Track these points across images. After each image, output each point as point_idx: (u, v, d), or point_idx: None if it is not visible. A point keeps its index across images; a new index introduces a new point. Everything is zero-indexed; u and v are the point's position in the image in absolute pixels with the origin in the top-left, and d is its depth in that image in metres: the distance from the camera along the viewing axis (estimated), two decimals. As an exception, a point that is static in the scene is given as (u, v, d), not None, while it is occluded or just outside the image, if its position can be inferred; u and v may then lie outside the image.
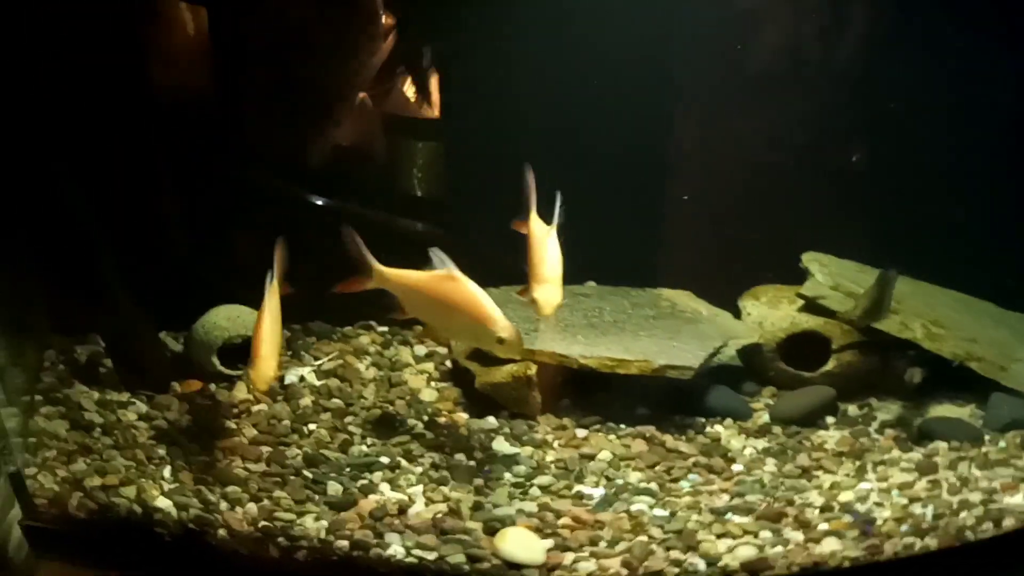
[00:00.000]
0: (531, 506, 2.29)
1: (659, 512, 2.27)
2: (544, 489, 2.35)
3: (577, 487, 2.37)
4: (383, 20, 3.02)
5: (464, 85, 3.08)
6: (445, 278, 2.29)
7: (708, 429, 2.61)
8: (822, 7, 2.92)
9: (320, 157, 3.07)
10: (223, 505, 2.27)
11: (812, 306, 2.71)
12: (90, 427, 2.55)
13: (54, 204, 2.52)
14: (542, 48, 2.90)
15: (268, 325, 2.27)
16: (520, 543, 2.16)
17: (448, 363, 2.91)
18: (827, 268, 2.75)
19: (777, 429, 2.61)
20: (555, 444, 2.55)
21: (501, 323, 2.23)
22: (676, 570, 2.11)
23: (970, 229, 2.83)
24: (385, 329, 3.08)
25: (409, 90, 3.12)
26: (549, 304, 2.29)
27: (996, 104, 2.77)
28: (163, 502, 2.29)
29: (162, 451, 2.46)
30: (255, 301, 2.43)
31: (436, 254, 2.31)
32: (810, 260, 2.79)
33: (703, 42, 2.93)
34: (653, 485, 2.37)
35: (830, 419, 2.64)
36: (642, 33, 2.87)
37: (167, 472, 2.39)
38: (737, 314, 2.86)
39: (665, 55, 2.96)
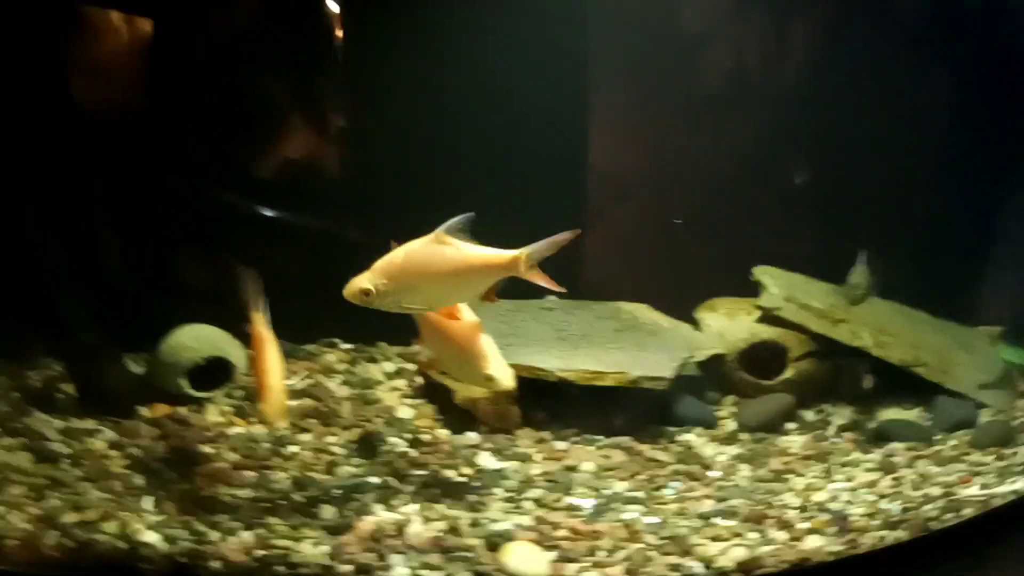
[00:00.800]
0: (527, 520, 2.32)
1: (650, 520, 2.34)
2: (537, 502, 2.39)
3: (567, 499, 2.42)
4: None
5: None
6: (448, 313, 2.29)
7: (679, 438, 2.73)
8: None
9: (270, 170, 3.05)
10: (214, 535, 2.19)
11: (768, 317, 2.87)
12: (56, 458, 2.42)
13: (8, 227, 2.40)
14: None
15: (272, 355, 2.23)
16: (524, 557, 2.19)
17: (419, 379, 2.92)
18: (778, 281, 2.92)
19: (744, 436, 2.75)
20: (538, 457, 2.60)
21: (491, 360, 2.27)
22: (676, 574, 2.19)
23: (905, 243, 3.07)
24: (350, 346, 3.08)
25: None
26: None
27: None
28: (150, 536, 2.17)
29: (139, 480, 2.37)
30: (210, 320, 2.40)
31: None
32: (762, 273, 2.96)
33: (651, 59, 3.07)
34: (640, 494, 2.45)
35: (791, 425, 2.80)
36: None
37: (148, 503, 2.29)
38: (694, 326, 3.00)
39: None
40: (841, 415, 2.85)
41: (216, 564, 2.14)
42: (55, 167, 2.65)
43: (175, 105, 2.89)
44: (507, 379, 2.30)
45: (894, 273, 3.04)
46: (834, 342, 2.80)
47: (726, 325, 2.90)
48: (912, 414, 2.84)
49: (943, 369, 2.83)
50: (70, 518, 2.22)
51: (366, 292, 2.10)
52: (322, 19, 2.96)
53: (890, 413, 2.82)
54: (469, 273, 2.14)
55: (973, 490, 2.47)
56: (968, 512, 2.42)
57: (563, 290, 2.10)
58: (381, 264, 2.12)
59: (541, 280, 2.10)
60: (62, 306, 2.57)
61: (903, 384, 2.86)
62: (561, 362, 2.66)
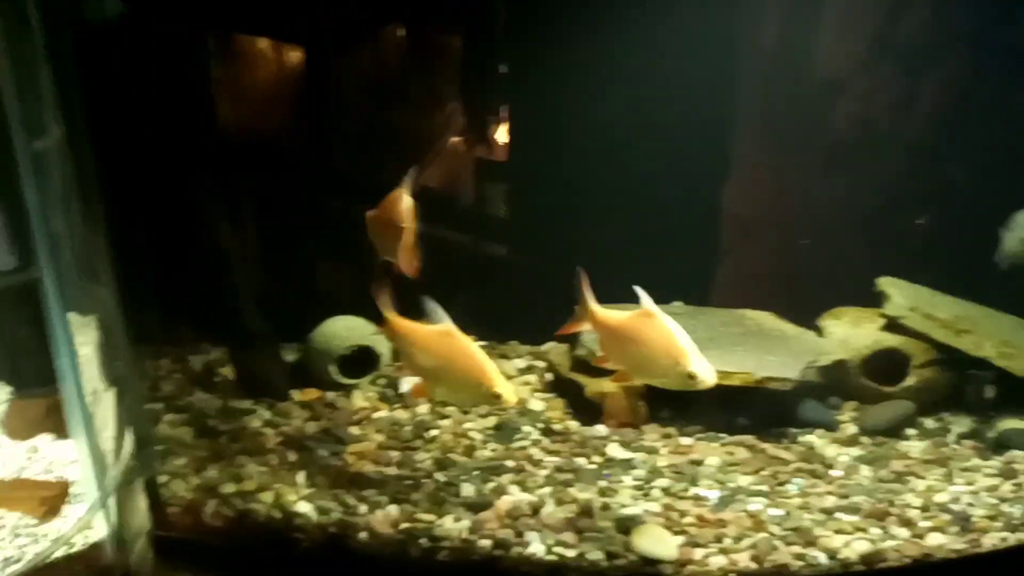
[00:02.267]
0: (655, 506, 2.45)
1: (774, 512, 2.44)
2: (664, 491, 2.51)
3: (693, 489, 2.53)
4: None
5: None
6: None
7: (801, 439, 2.79)
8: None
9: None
10: (362, 508, 2.39)
11: (892, 325, 2.92)
12: (216, 433, 2.67)
13: (195, 222, 2.66)
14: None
15: (476, 349, 2.20)
16: (654, 539, 2.32)
17: (549, 375, 3.08)
18: (903, 291, 2.97)
19: (865, 439, 2.80)
20: (664, 451, 2.72)
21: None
22: (800, 563, 2.29)
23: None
24: (484, 343, 3.22)
25: (500, 136, 3.26)
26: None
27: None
28: (303, 506, 2.39)
29: (292, 457, 2.58)
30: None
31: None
32: (886, 284, 3.00)
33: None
34: (763, 487, 2.54)
35: (911, 431, 2.84)
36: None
37: (301, 477, 2.50)
38: (818, 333, 3.06)
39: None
40: (961, 423, 2.88)
41: (364, 535, 2.35)
42: (226, 178, 2.91)
43: (324, 129, 3.13)
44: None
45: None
46: (957, 352, 2.84)
47: (850, 332, 2.96)
48: (1024, 424, 2.90)
49: (1065, 381, 2.85)
50: (229, 488, 2.46)
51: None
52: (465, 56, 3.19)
53: (1011, 423, 2.81)
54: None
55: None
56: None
57: None
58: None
59: None
60: (231, 297, 2.82)
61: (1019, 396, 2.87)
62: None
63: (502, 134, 3.25)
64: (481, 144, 3.24)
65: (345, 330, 2.85)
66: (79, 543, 2.09)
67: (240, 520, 2.38)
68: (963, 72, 3.04)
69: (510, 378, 3.01)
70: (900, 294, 2.95)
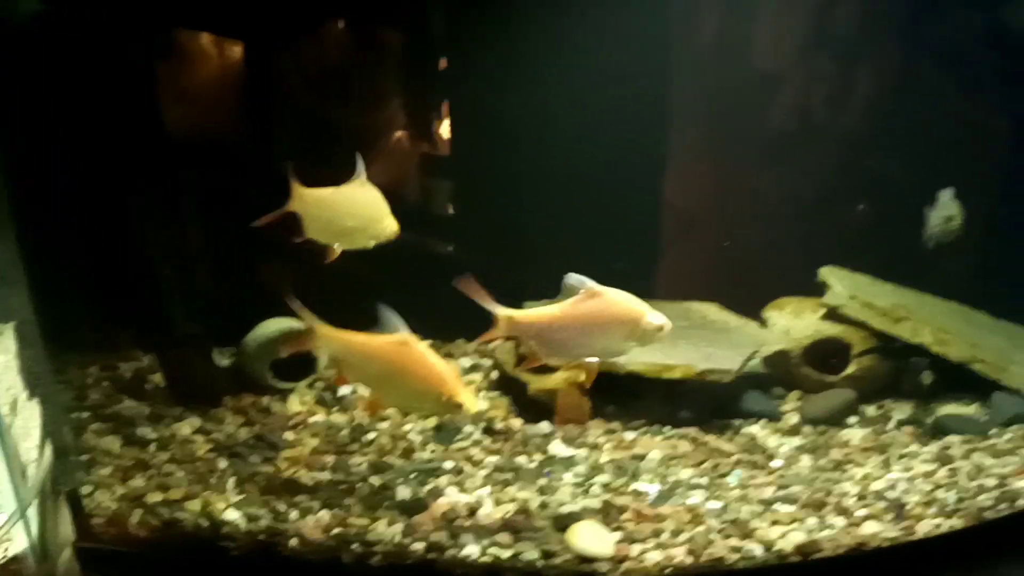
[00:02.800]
0: (594, 503, 2.42)
1: (713, 504, 2.42)
2: (604, 487, 2.49)
3: (634, 485, 2.51)
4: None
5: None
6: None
7: (744, 429, 2.80)
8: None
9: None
10: (293, 515, 2.33)
11: (833, 315, 2.93)
12: (145, 442, 2.60)
13: (119, 225, 2.59)
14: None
15: (435, 357, 2.16)
16: (591, 537, 2.28)
17: (494, 375, 3.05)
18: (843, 280, 2.98)
19: (807, 429, 2.81)
20: (607, 447, 2.69)
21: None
22: (736, 556, 2.27)
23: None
24: (429, 342, 3.16)
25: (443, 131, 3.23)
26: None
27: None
28: (232, 514, 2.32)
29: (223, 464, 2.52)
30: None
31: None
32: (827, 274, 3.02)
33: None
34: (703, 480, 2.53)
35: (852, 419, 2.85)
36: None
37: (231, 484, 2.44)
38: (761, 324, 3.07)
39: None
40: (902, 410, 2.89)
41: (294, 542, 2.28)
42: (157, 178, 2.83)
43: (263, 127, 3.07)
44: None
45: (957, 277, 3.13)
46: (895, 339, 2.85)
47: (792, 323, 2.97)
48: (970, 410, 2.87)
49: (1000, 367, 2.85)
50: (155, 497, 2.39)
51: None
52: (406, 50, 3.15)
53: (949, 409, 2.85)
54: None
55: (1024, 483, 2.53)
56: (1022, 503, 2.46)
57: None
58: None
59: None
60: (158, 300, 2.75)
61: (962, 381, 2.89)
62: (632, 356, 2.74)
63: (444, 130, 3.23)
64: (424, 140, 3.21)
65: (280, 332, 2.79)
66: (-2, 555, 2.04)
67: (166, 530, 2.31)
68: (895, 63, 3.05)
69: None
70: (840, 283, 2.95)
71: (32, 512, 2.09)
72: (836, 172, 3.12)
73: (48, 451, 2.19)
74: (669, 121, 3.17)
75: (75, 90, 2.60)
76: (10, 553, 2.04)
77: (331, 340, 2.23)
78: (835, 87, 3.07)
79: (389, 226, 2.39)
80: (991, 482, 2.52)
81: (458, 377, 2.17)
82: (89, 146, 2.60)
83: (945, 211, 2.86)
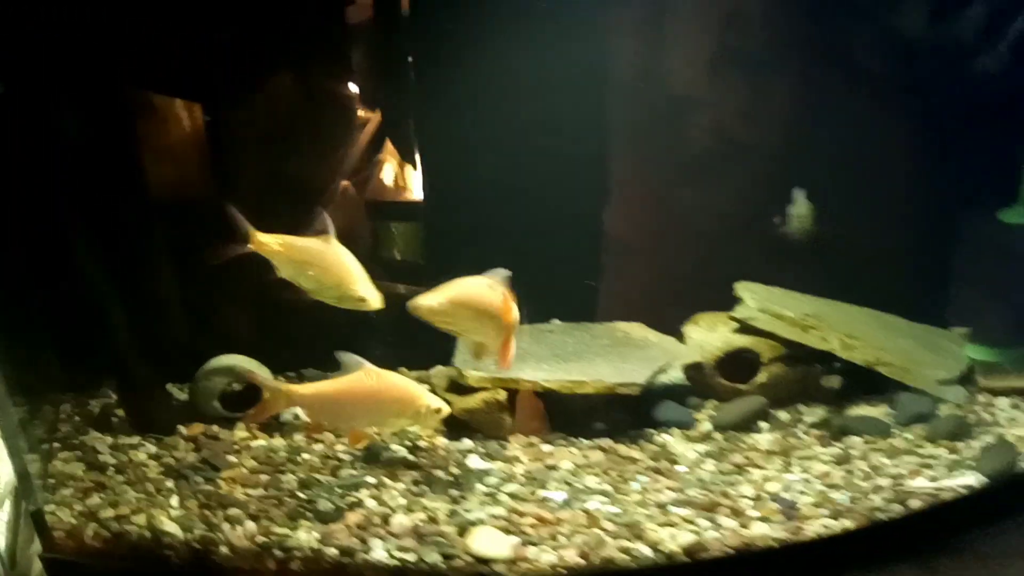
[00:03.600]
0: (501, 511, 2.59)
1: (612, 509, 2.57)
2: (512, 496, 2.65)
3: (542, 493, 2.67)
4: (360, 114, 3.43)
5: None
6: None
7: (657, 438, 2.94)
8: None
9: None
10: (225, 526, 2.56)
11: (746, 327, 3.06)
12: (104, 467, 2.85)
13: (78, 279, 2.88)
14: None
15: (398, 378, 2.58)
16: (488, 541, 2.47)
17: (427, 398, 3.24)
18: (756, 294, 3.12)
19: (717, 435, 2.94)
20: (524, 459, 2.85)
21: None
22: (626, 557, 2.42)
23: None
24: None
25: (387, 176, 3.47)
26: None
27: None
28: (170, 526, 2.56)
29: (170, 484, 2.76)
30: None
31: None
32: (742, 289, 3.16)
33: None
34: (607, 487, 2.68)
35: (763, 424, 2.98)
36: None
37: (174, 501, 2.67)
38: (680, 339, 3.21)
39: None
40: (814, 414, 3.00)
41: (224, 549, 2.52)
42: (116, 231, 3.10)
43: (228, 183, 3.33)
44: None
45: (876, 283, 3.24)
46: (806, 347, 2.98)
47: (705, 336, 3.11)
48: (879, 411, 2.98)
49: (905, 368, 2.95)
50: (107, 513, 2.65)
51: (432, 309, 2.35)
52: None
53: (859, 411, 2.96)
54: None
55: (920, 481, 2.60)
56: (915, 504, 2.56)
57: None
58: (447, 288, 2.38)
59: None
60: (116, 344, 3.01)
61: (875, 384, 3.01)
62: (548, 375, 2.93)
63: (388, 175, 3.47)
64: (371, 186, 3.45)
65: (226, 368, 3.04)
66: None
67: (116, 541, 2.57)
68: (803, 78, 3.20)
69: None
70: (752, 297, 3.10)
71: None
72: (756, 188, 3.26)
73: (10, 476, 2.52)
74: (596, 148, 3.34)
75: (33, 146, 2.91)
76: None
77: (296, 397, 2.58)
78: (747, 103, 3.21)
79: (362, 295, 2.58)
80: (885, 482, 2.63)
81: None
82: (47, 197, 2.90)
83: (798, 209, 2.99)
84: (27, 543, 2.63)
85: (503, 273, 2.42)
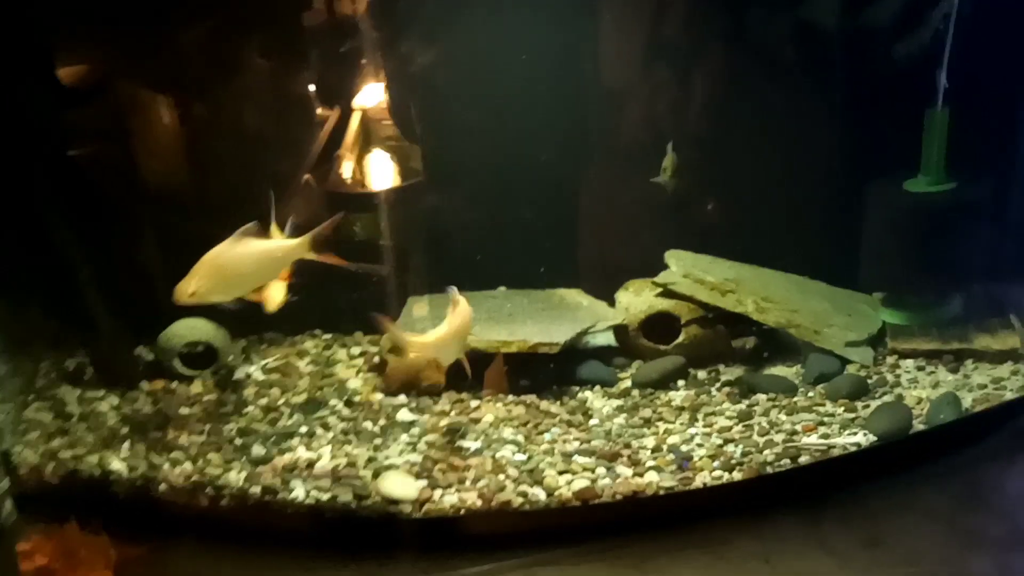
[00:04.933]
0: (417, 457, 2.77)
1: (519, 457, 2.75)
2: (430, 445, 2.84)
3: (460, 442, 2.85)
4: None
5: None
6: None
7: (580, 395, 3.09)
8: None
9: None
10: (166, 467, 2.80)
11: (669, 292, 3.17)
12: (69, 416, 3.11)
13: (56, 251, 3.14)
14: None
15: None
16: (396, 483, 2.66)
17: (376, 359, 3.42)
18: (682, 261, 3.24)
19: (635, 392, 3.08)
20: (452, 413, 3.03)
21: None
22: (521, 500, 2.59)
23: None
24: (329, 336, 3.61)
25: (345, 170, 3.65)
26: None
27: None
28: (118, 465, 2.82)
29: (124, 431, 3.01)
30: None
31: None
32: (670, 256, 3.28)
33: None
34: (520, 437, 2.84)
35: (681, 382, 3.10)
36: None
37: (125, 446, 2.92)
38: (611, 304, 3.34)
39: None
40: (731, 373, 3.12)
41: (163, 486, 2.75)
42: (92, 204, 3.35)
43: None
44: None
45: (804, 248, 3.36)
46: (722, 309, 3.09)
47: (632, 300, 3.23)
48: (792, 371, 3.09)
49: (815, 330, 3.06)
50: (65, 454, 2.91)
51: (191, 293, 2.55)
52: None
53: (774, 370, 3.07)
54: (270, 260, 2.64)
55: (813, 438, 2.70)
56: (804, 460, 2.67)
57: (347, 264, 2.73)
58: (197, 268, 2.56)
59: (330, 260, 2.66)
60: (86, 304, 3.24)
61: (791, 346, 3.12)
62: (477, 336, 3.08)
63: (347, 168, 3.67)
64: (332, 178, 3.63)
65: (186, 329, 3.27)
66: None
67: (70, 477, 2.83)
68: (729, 67, 3.30)
69: (339, 363, 3.38)
70: (677, 263, 3.23)
71: None
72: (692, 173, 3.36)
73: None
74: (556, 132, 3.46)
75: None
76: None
77: (425, 346, 2.69)
78: (677, 93, 3.32)
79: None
80: (779, 437, 2.75)
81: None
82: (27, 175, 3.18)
83: (665, 161, 3.11)
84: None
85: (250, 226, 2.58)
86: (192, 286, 2.53)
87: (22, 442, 2.97)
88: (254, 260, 2.61)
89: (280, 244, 2.66)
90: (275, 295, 2.85)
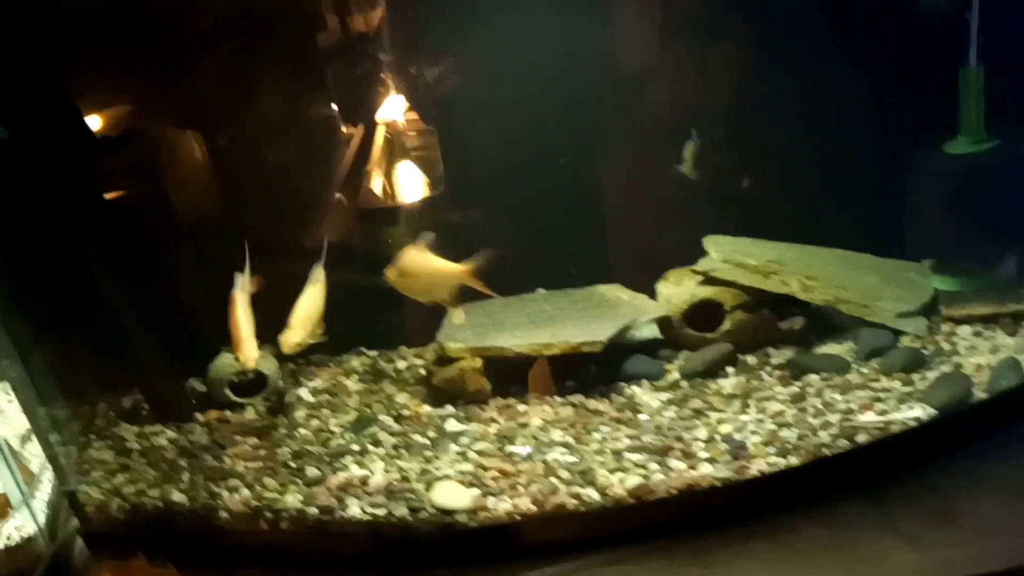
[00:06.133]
0: (468, 467, 2.77)
1: (570, 459, 2.72)
2: (480, 453, 2.84)
3: (509, 448, 2.84)
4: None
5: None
6: None
7: (627, 391, 3.05)
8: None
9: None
10: (224, 495, 2.83)
11: (711, 279, 3.12)
12: (129, 452, 3.17)
13: (101, 295, 3.21)
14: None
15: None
16: (449, 492, 2.66)
17: (423, 371, 3.44)
18: (721, 246, 3.20)
19: (684, 383, 3.03)
20: (500, 420, 3.02)
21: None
22: (575, 502, 2.57)
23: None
24: (374, 353, 3.64)
25: (376, 185, 3.67)
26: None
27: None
28: (178, 497, 2.86)
29: (183, 463, 3.06)
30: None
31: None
32: (708, 241, 3.24)
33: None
34: (569, 439, 2.82)
35: (730, 369, 3.05)
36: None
37: (185, 476, 2.97)
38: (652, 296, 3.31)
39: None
40: (782, 356, 3.05)
41: (224, 514, 2.79)
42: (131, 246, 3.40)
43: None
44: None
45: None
46: (767, 292, 3.03)
47: (673, 291, 3.19)
48: (843, 348, 3.01)
49: (864, 304, 2.97)
50: (128, 490, 2.96)
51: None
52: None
53: (825, 349, 3.00)
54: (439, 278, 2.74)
55: (869, 415, 2.63)
56: (863, 439, 2.60)
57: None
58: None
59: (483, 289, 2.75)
60: (136, 345, 3.32)
61: (841, 323, 3.05)
62: (519, 341, 3.09)
63: (377, 183, 3.68)
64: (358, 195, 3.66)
65: (233, 360, 3.26)
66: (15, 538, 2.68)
67: (134, 512, 2.89)
68: (757, 42, 3.23)
69: (387, 378, 3.42)
70: (716, 249, 3.18)
71: (40, 506, 2.81)
72: (724, 152, 3.30)
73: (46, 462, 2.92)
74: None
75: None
76: (25, 534, 2.71)
77: None
78: (701, 72, 3.26)
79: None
80: (834, 418, 2.68)
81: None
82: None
83: (686, 150, 3.06)
84: (68, 520, 2.97)
85: (428, 236, 2.69)
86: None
87: (86, 481, 3.05)
88: (427, 274, 2.73)
89: (449, 266, 2.73)
90: (291, 336, 2.85)
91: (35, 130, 3.10)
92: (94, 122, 3.25)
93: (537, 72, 3.28)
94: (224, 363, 3.36)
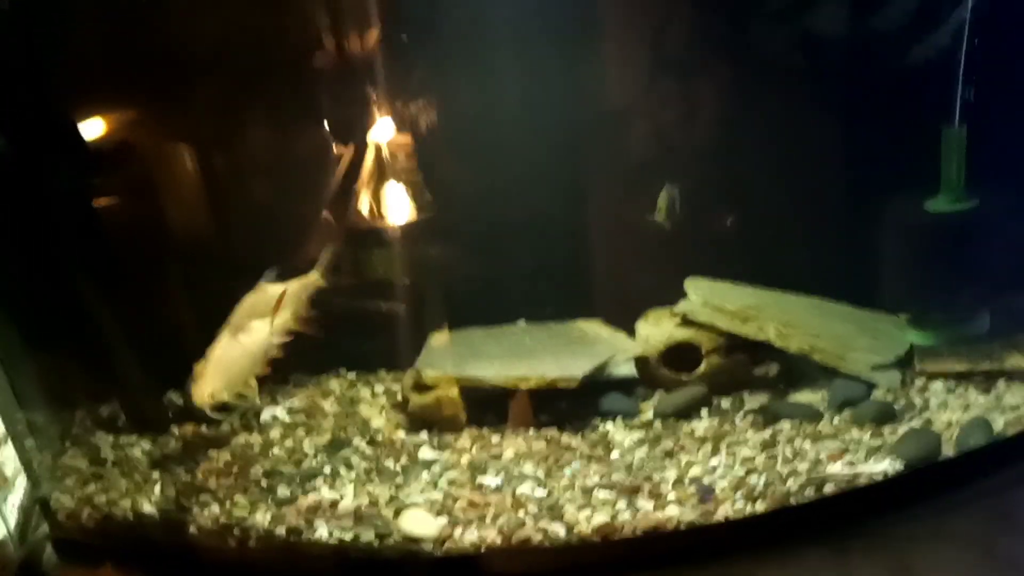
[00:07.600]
0: (438, 495, 2.78)
1: (539, 492, 2.73)
2: (451, 482, 2.85)
3: (480, 479, 2.85)
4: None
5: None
6: None
7: (600, 427, 3.08)
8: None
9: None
10: (195, 510, 2.84)
11: (690, 321, 3.16)
12: (103, 461, 3.18)
13: (87, 306, 3.23)
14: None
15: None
16: (416, 521, 2.66)
17: (399, 396, 3.46)
18: (700, 289, 3.23)
19: (657, 423, 3.06)
20: (472, 449, 3.04)
21: None
22: (540, 536, 2.57)
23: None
24: (353, 375, 3.67)
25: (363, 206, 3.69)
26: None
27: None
28: (149, 509, 2.88)
29: (156, 475, 3.07)
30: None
31: None
32: (689, 284, 3.27)
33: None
34: (540, 473, 2.83)
35: (704, 411, 3.07)
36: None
37: (157, 488, 2.98)
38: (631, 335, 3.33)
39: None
40: (755, 401, 3.08)
41: (192, 529, 2.79)
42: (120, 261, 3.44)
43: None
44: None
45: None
46: (744, 337, 3.06)
47: (652, 330, 3.22)
48: (816, 397, 3.04)
49: (839, 354, 3.00)
50: (100, 499, 2.97)
51: None
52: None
53: (798, 397, 3.03)
54: None
55: (837, 466, 2.65)
56: (829, 489, 2.61)
57: None
58: None
59: None
60: (118, 356, 3.35)
61: (816, 371, 3.07)
62: (497, 372, 3.12)
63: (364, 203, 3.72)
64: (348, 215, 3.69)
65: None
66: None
67: (105, 521, 2.90)
68: (743, 88, 3.27)
69: (363, 402, 3.44)
70: (697, 292, 3.21)
71: (11, 511, 2.84)
72: (706, 189, 3.35)
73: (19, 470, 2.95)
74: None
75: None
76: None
77: None
78: (683, 109, 3.31)
79: None
80: (803, 467, 2.70)
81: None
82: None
83: (660, 199, 3.11)
84: (34, 525, 2.98)
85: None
86: None
87: (59, 488, 3.05)
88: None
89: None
90: (201, 387, 2.91)
91: (24, 141, 3.17)
92: (86, 136, 3.30)
93: (522, 115, 3.32)
94: (204, 377, 3.41)
